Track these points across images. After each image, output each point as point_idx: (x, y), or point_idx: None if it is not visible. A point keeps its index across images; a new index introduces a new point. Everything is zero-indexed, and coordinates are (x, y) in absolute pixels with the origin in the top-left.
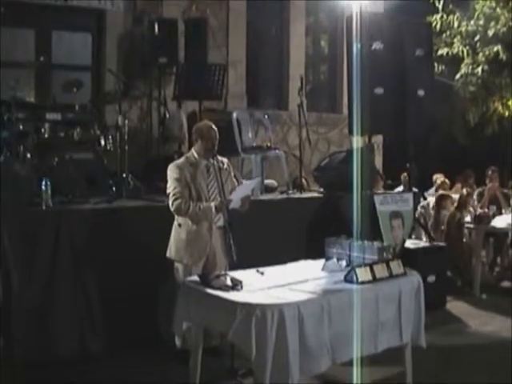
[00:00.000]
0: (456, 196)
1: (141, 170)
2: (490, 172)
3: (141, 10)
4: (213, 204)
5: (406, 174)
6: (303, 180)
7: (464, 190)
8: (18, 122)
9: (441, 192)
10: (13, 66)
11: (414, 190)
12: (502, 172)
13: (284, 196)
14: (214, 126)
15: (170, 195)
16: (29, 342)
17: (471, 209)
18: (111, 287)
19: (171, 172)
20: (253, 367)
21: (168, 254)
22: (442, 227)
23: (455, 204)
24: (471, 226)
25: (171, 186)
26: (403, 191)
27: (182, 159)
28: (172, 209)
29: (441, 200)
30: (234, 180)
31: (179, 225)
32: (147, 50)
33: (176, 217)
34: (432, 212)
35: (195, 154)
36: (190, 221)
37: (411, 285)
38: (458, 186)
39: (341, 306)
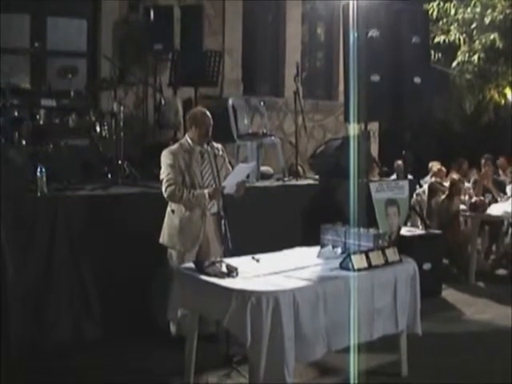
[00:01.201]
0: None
1: (136, 157)
2: (483, 160)
3: None
4: (206, 191)
5: (399, 161)
6: (299, 167)
7: (455, 177)
8: (12, 109)
9: (432, 180)
10: (8, 52)
11: (410, 177)
12: (497, 160)
13: (280, 183)
14: (207, 113)
15: (164, 181)
16: (25, 328)
17: (466, 196)
18: (107, 274)
19: (165, 158)
20: (248, 354)
21: (161, 240)
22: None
23: (446, 192)
24: (467, 213)
25: (164, 172)
26: (397, 179)
27: (176, 145)
28: (165, 195)
29: (432, 188)
30: (229, 166)
31: (172, 211)
32: (143, 36)
33: (169, 203)
34: (426, 199)
35: (189, 141)
36: (183, 207)
37: (407, 272)
38: (453, 173)
39: (336, 293)
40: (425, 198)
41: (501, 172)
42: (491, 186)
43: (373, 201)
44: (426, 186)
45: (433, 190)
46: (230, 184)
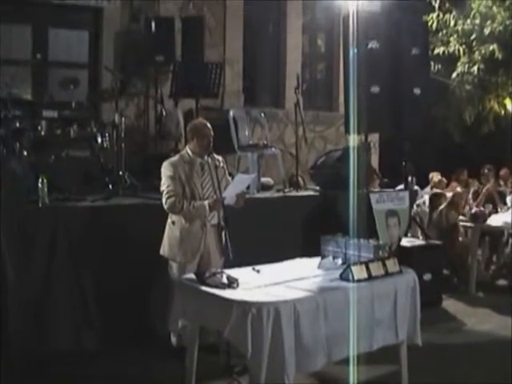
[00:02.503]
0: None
1: (137, 168)
2: (485, 171)
3: (138, 8)
4: (206, 202)
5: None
6: (299, 178)
7: (458, 189)
8: (14, 120)
9: (434, 191)
10: (9, 64)
11: (416, 187)
12: (498, 170)
13: (280, 194)
14: (208, 124)
15: (164, 193)
16: (25, 336)
17: (466, 207)
18: (107, 284)
19: (165, 170)
20: (249, 365)
21: (162, 252)
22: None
23: (446, 202)
24: (467, 224)
25: (165, 184)
26: (400, 189)
27: (176, 157)
28: (165, 207)
29: (434, 199)
30: (229, 178)
31: (173, 222)
32: (144, 47)
33: (170, 214)
34: (427, 210)
35: (190, 152)
36: (183, 219)
37: (407, 283)
38: (454, 184)
39: (336, 303)
40: (425, 208)
41: (502, 183)
42: (496, 197)
43: (373, 212)
44: (426, 197)
45: (435, 201)
46: (229, 195)
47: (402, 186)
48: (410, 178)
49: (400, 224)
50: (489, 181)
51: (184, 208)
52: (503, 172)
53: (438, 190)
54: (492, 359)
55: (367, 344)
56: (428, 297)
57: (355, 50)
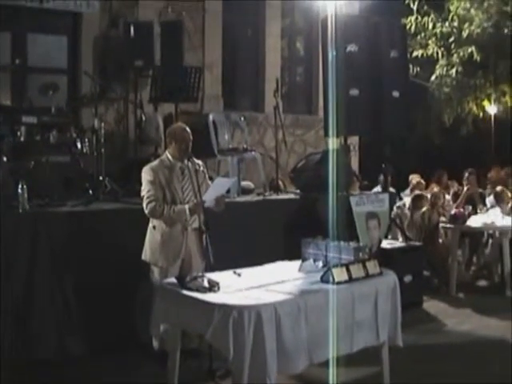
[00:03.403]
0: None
1: (117, 173)
2: (467, 174)
3: (116, 13)
4: (187, 206)
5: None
6: (280, 181)
7: (436, 189)
8: None
9: (416, 192)
10: None
11: (391, 190)
12: (478, 172)
13: (260, 197)
14: (187, 128)
15: (144, 198)
16: (8, 343)
17: (447, 208)
18: (89, 289)
19: (145, 174)
20: (231, 368)
21: (143, 257)
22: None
23: (427, 204)
24: (447, 225)
25: (145, 189)
26: (380, 192)
27: (156, 162)
28: (146, 211)
29: (416, 200)
30: (209, 182)
31: (154, 227)
32: (123, 52)
33: (151, 219)
34: (408, 212)
35: (169, 157)
36: (164, 223)
37: (387, 284)
38: (433, 186)
39: (317, 306)
40: (406, 210)
41: (488, 186)
42: (477, 198)
43: (353, 214)
44: (406, 199)
45: (417, 203)
46: (209, 198)
47: (377, 189)
48: (386, 180)
49: (380, 226)
50: (472, 184)
51: (165, 212)
52: (491, 174)
53: (419, 192)
54: (472, 359)
55: (348, 346)
56: (409, 298)
57: (334, 53)
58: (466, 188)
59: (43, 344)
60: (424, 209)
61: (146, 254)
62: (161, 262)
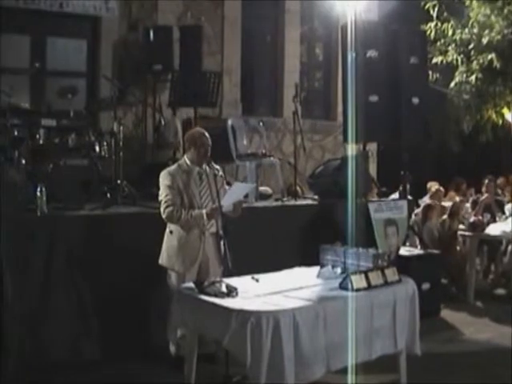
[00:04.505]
0: (448, 204)
1: (135, 177)
2: (487, 181)
3: (136, 17)
4: (204, 211)
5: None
6: (298, 187)
7: (457, 198)
8: (13, 128)
9: (427, 202)
10: (8, 72)
11: (409, 197)
12: (496, 179)
13: (279, 203)
14: (206, 133)
15: (162, 202)
16: (23, 347)
17: (465, 216)
18: (106, 293)
19: (163, 179)
20: (248, 374)
21: (160, 261)
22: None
23: (447, 212)
24: (465, 233)
25: (163, 193)
26: (398, 199)
27: (174, 166)
28: (164, 216)
29: (427, 210)
30: (227, 187)
31: (171, 232)
32: (142, 56)
33: (168, 224)
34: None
35: (188, 161)
36: (181, 228)
37: (406, 292)
38: (452, 193)
39: (336, 313)
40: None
41: (500, 191)
42: (494, 206)
43: (372, 221)
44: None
45: (428, 213)
46: (227, 203)
47: (395, 195)
48: (405, 187)
49: (398, 233)
50: (490, 191)
51: (182, 217)
52: (500, 180)
53: (430, 201)
54: (491, 368)
55: (366, 353)
56: (427, 306)
57: (353, 59)
58: (484, 196)
59: (59, 348)
60: (444, 217)
61: (162, 259)
62: (177, 267)
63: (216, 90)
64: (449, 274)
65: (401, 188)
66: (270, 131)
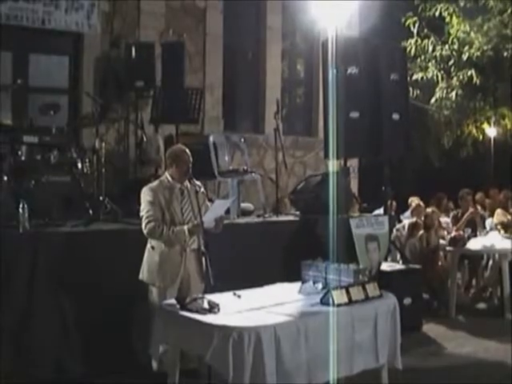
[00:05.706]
0: None
1: (118, 193)
2: (461, 194)
3: (118, 34)
4: (186, 227)
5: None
6: (283, 202)
7: (428, 210)
8: None
9: (414, 220)
10: None
11: (392, 213)
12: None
13: (260, 219)
14: (187, 150)
15: (143, 218)
16: (5, 364)
17: (447, 230)
18: (88, 310)
19: (145, 195)
20: None
21: (140, 276)
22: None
23: (421, 226)
24: (446, 248)
25: (144, 209)
26: (380, 214)
27: (155, 182)
28: (145, 232)
29: (413, 228)
30: (208, 204)
31: (152, 247)
32: (124, 73)
33: (149, 239)
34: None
35: (169, 178)
36: (163, 244)
37: (387, 307)
38: (431, 209)
39: (317, 328)
40: (404, 233)
41: (479, 207)
42: (479, 221)
43: (353, 236)
44: (405, 221)
45: (413, 230)
46: (208, 219)
47: (379, 211)
48: (391, 204)
49: (380, 248)
50: (468, 204)
51: (164, 233)
52: (478, 196)
53: (416, 219)
54: (472, 382)
55: (348, 368)
56: (408, 321)
57: (334, 76)
58: (469, 211)
59: (41, 366)
60: (421, 232)
61: (143, 274)
62: (158, 283)
63: (198, 107)
64: (430, 289)
65: (388, 204)
66: (251, 148)
